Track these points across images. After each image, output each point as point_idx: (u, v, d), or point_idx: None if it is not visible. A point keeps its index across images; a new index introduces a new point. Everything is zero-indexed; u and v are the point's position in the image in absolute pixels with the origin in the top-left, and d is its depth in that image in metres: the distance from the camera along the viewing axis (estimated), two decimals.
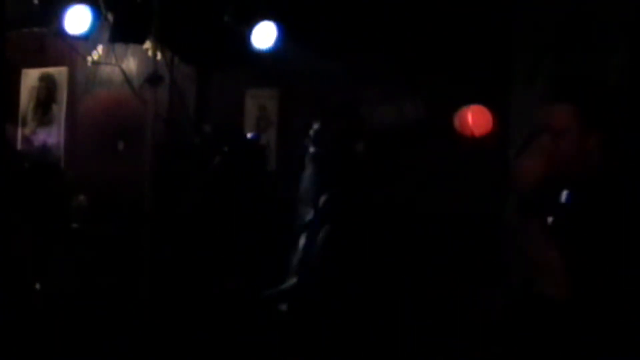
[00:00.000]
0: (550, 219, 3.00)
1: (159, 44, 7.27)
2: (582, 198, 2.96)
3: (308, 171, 5.08)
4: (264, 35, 6.88)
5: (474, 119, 5.07)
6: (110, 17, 6.78)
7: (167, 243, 6.82)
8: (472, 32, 6.41)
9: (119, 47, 7.73)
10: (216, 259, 6.47)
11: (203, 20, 7.06)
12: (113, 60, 7.84)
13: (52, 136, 8.63)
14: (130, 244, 7.03)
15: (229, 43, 7.09)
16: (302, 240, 4.94)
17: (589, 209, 2.95)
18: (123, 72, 7.82)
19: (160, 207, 7.08)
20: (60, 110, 8.63)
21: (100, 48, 7.73)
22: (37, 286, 4.57)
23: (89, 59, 7.87)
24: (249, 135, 6.99)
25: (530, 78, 6.31)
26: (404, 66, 6.62)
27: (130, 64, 7.94)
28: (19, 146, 8.52)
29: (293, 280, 4.84)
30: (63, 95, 8.62)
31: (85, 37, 6.80)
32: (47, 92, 8.67)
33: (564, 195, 3.03)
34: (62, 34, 6.63)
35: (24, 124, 8.79)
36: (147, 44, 7.30)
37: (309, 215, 4.95)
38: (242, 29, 6.89)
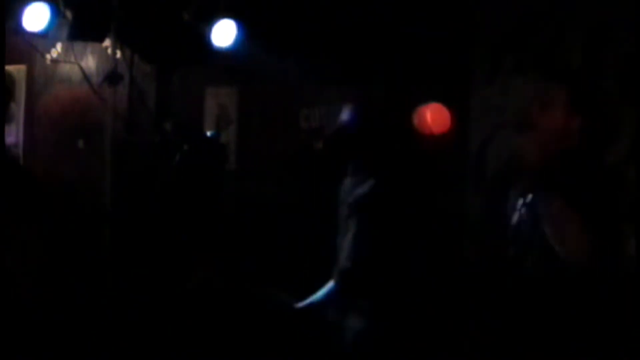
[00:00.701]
0: None
1: (119, 42, 7.23)
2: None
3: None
4: (224, 33, 6.86)
5: (433, 117, 5.09)
6: (69, 14, 6.73)
7: (128, 242, 6.79)
8: (432, 30, 6.43)
9: (78, 45, 7.68)
10: (177, 258, 6.45)
11: (163, 18, 7.02)
12: (72, 58, 7.79)
13: (11, 135, 8.55)
14: (91, 243, 7.00)
15: (189, 41, 7.05)
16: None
17: None
18: (82, 70, 7.76)
19: (120, 206, 7.05)
20: (18, 108, 8.56)
21: (59, 46, 7.68)
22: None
23: (48, 56, 7.82)
24: (208, 134, 6.98)
25: (490, 76, 6.36)
26: (365, 64, 6.64)
27: (90, 62, 7.89)
28: None
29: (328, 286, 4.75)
30: (21, 93, 8.54)
31: (43, 35, 6.75)
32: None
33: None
34: (20, 31, 6.57)
35: None
36: (107, 42, 7.26)
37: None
38: (202, 27, 6.86)
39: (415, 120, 5.10)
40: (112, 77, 7.13)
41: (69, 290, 6.32)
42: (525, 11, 6.23)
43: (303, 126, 7.14)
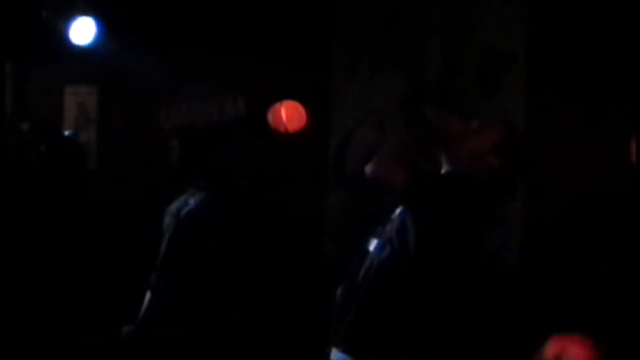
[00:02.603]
0: None
1: None
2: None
3: None
4: (83, 31, 6.74)
5: (288, 114, 5.09)
6: None
7: None
8: (292, 28, 6.43)
9: None
10: (33, 262, 6.31)
11: (20, 15, 6.86)
12: None
13: None
14: None
15: (47, 39, 6.92)
16: None
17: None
18: None
19: None
20: None
21: None
22: None
23: None
24: (66, 133, 6.84)
25: (350, 74, 6.39)
26: (225, 63, 6.60)
27: None
28: None
29: None
30: None
31: None
32: None
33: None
34: None
35: None
36: None
37: None
38: (60, 24, 6.73)
39: (271, 118, 5.09)
40: None
41: None
42: (385, 9, 6.28)
43: (164, 125, 7.05)
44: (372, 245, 3.35)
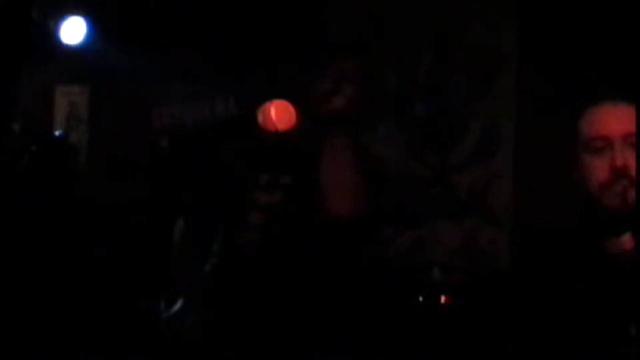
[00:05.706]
0: None
1: None
2: None
3: None
4: (73, 30, 6.73)
5: (277, 114, 5.05)
6: None
7: None
8: (284, 27, 6.42)
9: None
10: (22, 263, 6.28)
11: (10, 15, 6.85)
12: None
13: None
14: None
15: (37, 39, 6.91)
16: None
17: None
18: None
19: None
20: None
21: None
22: None
23: None
24: (57, 134, 6.81)
25: None
26: (215, 63, 6.58)
27: None
28: None
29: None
30: None
31: None
32: None
33: None
34: None
35: None
36: None
37: None
38: (50, 24, 6.72)
39: (260, 118, 5.05)
40: None
41: None
42: (375, 9, 6.27)
43: (155, 125, 7.03)
44: None
